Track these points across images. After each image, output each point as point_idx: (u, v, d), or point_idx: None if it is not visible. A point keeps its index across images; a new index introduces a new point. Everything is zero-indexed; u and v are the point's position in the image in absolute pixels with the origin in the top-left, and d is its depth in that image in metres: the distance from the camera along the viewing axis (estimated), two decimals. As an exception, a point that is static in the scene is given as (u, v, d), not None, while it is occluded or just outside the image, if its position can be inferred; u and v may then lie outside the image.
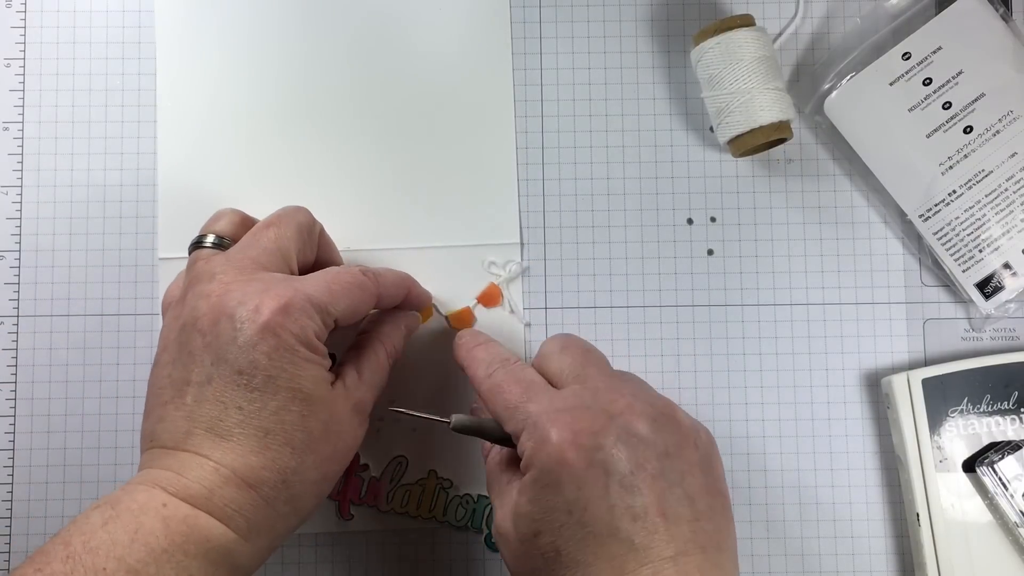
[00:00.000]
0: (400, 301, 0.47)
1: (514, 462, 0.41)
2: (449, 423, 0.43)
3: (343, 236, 0.51)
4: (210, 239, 0.44)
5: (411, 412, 0.45)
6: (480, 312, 0.51)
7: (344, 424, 0.41)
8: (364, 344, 0.45)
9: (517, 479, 0.39)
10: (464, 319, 0.51)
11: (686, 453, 0.39)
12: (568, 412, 0.39)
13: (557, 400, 0.40)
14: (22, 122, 0.52)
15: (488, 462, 0.43)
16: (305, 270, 0.44)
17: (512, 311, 0.51)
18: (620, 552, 0.36)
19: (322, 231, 0.47)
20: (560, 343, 0.44)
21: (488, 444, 0.44)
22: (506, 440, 0.41)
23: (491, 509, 0.50)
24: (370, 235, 0.51)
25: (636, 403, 0.39)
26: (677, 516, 0.37)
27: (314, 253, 0.46)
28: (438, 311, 0.51)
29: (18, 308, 0.51)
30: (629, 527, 0.37)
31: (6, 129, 0.52)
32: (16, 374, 0.51)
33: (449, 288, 0.51)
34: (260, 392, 0.39)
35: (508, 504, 0.39)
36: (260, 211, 0.51)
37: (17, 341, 0.51)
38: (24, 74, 0.52)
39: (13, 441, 0.51)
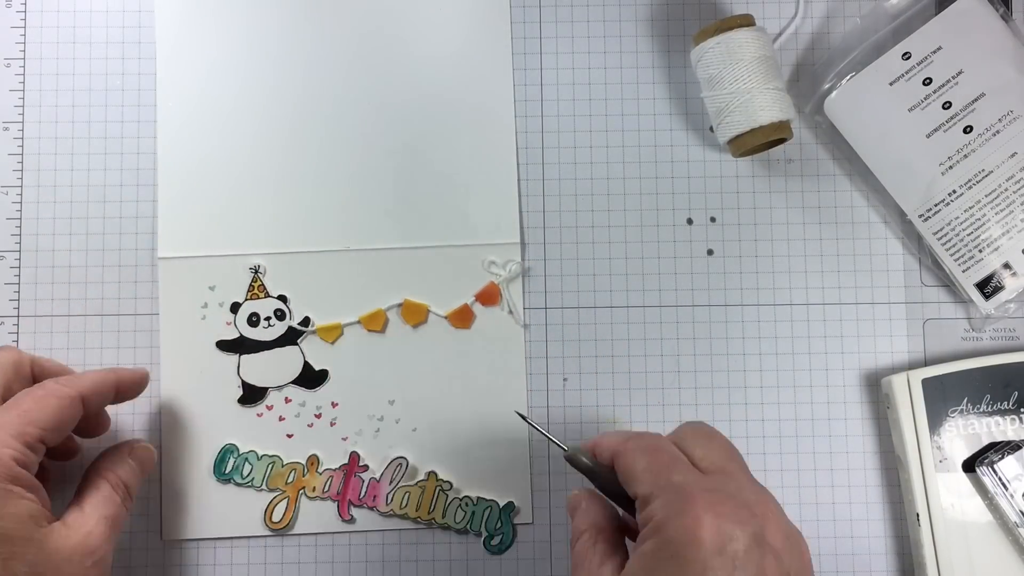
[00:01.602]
0: (113, 394, 0.46)
1: (613, 548, 0.40)
2: (565, 450, 0.42)
3: (343, 236, 0.51)
4: None
5: (532, 423, 0.45)
6: (478, 310, 0.51)
7: (64, 565, 0.39)
8: (86, 479, 0.44)
9: (613, 562, 0.38)
10: (463, 317, 0.51)
11: None
12: (713, 494, 0.37)
13: (703, 481, 0.38)
14: (22, 122, 0.52)
15: (577, 547, 0.41)
16: None
17: (511, 311, 0.51)
18: None
19: (35, 360, 0.46)
20: (707, 432, 0.42)
21: (579, 530, 0.42)
22: (616, 496, 0.40)
23: (490, 511, 0.50)
24: (370, 235, 0.51)
25: (777, 515, 0.38)
26: None
27: (25, 386, 0.45)
28: (437, 312, 0.51)
29: (18, 308, 0.51)
30: None
31: (6, 129, 0.52)
32: (16, 374, 0.51)
33: (449, 288, 0.51)
34: None
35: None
36: (260, 211, 0.51)
37: (17, 341, 0.51)
38: (24, 74, 0.52)
39: (13, 441, 0.51)
